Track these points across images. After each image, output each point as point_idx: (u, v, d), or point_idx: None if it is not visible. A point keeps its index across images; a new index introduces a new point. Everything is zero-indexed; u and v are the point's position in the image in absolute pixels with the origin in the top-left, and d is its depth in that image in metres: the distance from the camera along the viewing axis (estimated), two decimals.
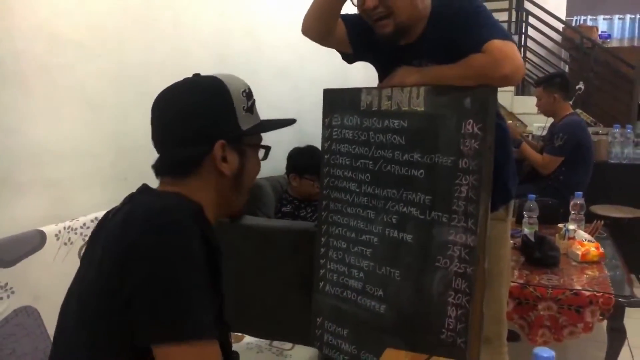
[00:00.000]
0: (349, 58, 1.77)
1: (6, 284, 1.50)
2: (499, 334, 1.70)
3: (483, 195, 1.41)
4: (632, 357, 2.65)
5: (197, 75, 1.06)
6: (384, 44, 1.55)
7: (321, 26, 1.62)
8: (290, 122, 1.16)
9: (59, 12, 1.77)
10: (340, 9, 1.57)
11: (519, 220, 2.71)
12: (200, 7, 2.47)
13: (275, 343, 1.89)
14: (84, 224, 1.76)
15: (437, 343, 1.48)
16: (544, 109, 3.50)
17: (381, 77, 1.71)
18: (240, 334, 1.95)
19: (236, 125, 1.02)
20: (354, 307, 1.74)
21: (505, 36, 1.40)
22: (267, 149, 1.11)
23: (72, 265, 1.57)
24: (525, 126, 5.22)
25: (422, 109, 1.52)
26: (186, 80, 1.05)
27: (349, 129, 1.72)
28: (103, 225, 1.05)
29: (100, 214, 1.78)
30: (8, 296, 1.47)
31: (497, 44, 1.36)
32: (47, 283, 1.54)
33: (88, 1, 1.87)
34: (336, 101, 1.76)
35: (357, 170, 1.71)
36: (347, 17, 1.65)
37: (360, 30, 1.62)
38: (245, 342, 1.90)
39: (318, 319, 1.86)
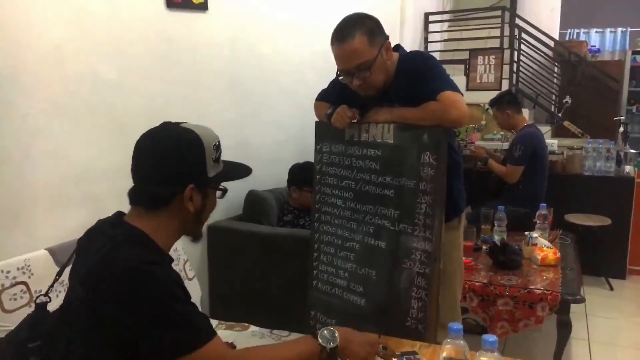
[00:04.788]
0: None
1: (63, 281, 1.89)
2: (453, 321, 2.05)
3: (437, 211, 1.78)
4: (590, 350, 3.00)
5: (177, 125, 1.26)
6: (357, 96, 1.93)
7: None
8: (246, 173, 1.38)
9: (103, 58, 2.16)
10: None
11: (492, 228, 3.09)
12: (215, 43, 2.85)
13: (275, 331, 2.26)
14: None
15: (404, 328, 1.85)
16: (503, 126, 3.94)
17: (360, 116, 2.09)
18: (246, 324, 2.33)
19: (205, 173, 1.23)
20: (340, 301, 2.11)
21: (454, 88, 1.77)
22: (225, 190, 1.33)
23: None
24: None
25: (392, 141, 1.89)
26: (170, 129, 1.25)
27: (336, 155, 2.09)
28: (83, 250, 1.27)
29: None
30: (65, 290, 1.85)
31: (447, 94, 1.74)
32: None
33: (123, 46, 2.26)
34: (326, 132, 2.12)
35: (343, 189, 2.08)
36: (329, 98, 2.10)
37: (341, 99, 2.01)
38: (250, 331, 2.27)
39: (312, 312, 2.23)
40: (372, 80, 1.82)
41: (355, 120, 1.95)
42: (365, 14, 1.85)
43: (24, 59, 1.88)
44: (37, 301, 1.31)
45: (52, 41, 1.97)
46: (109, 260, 1.12)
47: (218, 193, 1.32)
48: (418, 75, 1.81)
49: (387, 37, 1.86)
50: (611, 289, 3.99)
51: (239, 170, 1.38)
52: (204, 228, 2.76)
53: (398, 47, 1.98)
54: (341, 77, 1.89)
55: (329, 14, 3.90)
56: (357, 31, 1.77)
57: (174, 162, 1.20)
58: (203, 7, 2.70)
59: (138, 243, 1.18)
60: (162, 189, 1.20)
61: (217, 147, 1.27)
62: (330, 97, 2.10)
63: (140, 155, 1.22)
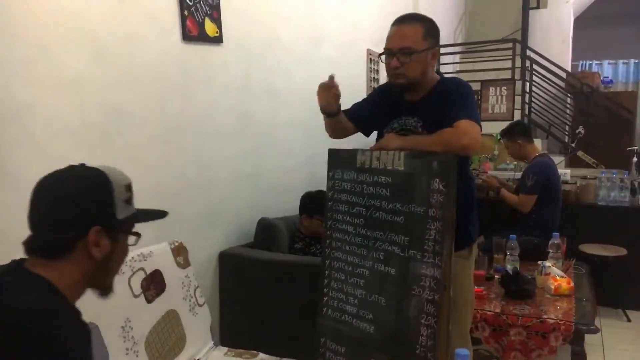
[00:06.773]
0: (365, 134, 2.29)
1: None
2: None
3: (447, 237, 1.79)
4: None
5: (81, 165, 1.16)
6: (387, 106, 2.06)
7: (336, 133, 2.22)
8: (161, 216, 1.29)
9: (119, 88, 2.22)
10: (340, 122, 2.14)
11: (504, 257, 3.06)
12: (229, 75, 2.91)
13: (285, 359, 2.25)
14: (132, 258, 2.17)
15: (414, 356, 1.83)
16: (514, 156, 3.95)
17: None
18: (255, 352, 2.31)
19: (113, 215, 1.11)
20: (350, 328, 2.10)
21: (473, 119, 1.82)
22: (138, 235, 1.21)
23: (122, 292, 1.98)
24: None
25: (402, 168, 1.91)
26: (72, 169, 1.15)
27: (347, 182, 2.11)
28: None
29: (145, 250, 2.21)
30: None
31: (463, 122, 1.79)
32: (105, 306, 1.93)
33: (140, 77, 2.32)
34: (338, 159, 2.16)
35: (353, 216, 2.09)
36: (354, 117, 2.19)
37: (364, 120, 2.17)
38: (259, 359, 2.26)
39: (321, 339, 2.21)
40: (409, 69, 1.91)
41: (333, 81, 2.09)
42: (432, 19, 1.98)
43: (42, 89, 1.93)
44: None
45: (71, 72, 2.02)
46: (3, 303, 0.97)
47: (132, 239, 1.20)
48: (448, 99, 1.88)
49: (439, 47, 1.99)
50: (628, 320, 3.90)
51: (153, 213, 1.28)
52: (215, 254, 2.84)
53: (439, 72, 2.06)
54: (382, 56, 1.98)
55: (342, 48, 3.99)
56: (418, 22, 1.93)
57: (74, 203, 1.08)
58: (218, 40, 2.77)
59: (40, 288, 1.03)
60: (60, 234, 1.07)
61: (129, 188, 1.17)
62: (357, 108, 2.23)
63: (37, 198, 1.10)
